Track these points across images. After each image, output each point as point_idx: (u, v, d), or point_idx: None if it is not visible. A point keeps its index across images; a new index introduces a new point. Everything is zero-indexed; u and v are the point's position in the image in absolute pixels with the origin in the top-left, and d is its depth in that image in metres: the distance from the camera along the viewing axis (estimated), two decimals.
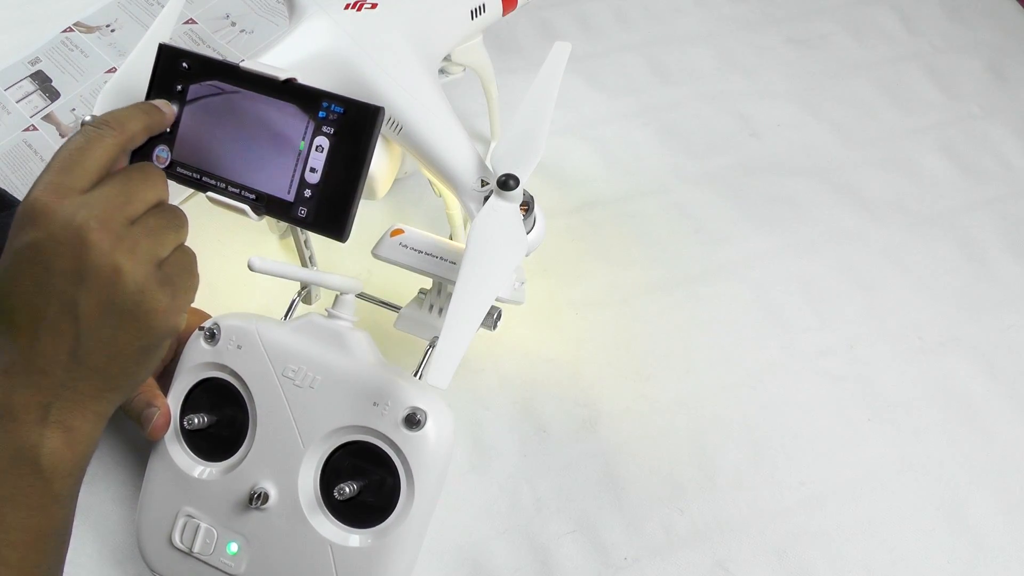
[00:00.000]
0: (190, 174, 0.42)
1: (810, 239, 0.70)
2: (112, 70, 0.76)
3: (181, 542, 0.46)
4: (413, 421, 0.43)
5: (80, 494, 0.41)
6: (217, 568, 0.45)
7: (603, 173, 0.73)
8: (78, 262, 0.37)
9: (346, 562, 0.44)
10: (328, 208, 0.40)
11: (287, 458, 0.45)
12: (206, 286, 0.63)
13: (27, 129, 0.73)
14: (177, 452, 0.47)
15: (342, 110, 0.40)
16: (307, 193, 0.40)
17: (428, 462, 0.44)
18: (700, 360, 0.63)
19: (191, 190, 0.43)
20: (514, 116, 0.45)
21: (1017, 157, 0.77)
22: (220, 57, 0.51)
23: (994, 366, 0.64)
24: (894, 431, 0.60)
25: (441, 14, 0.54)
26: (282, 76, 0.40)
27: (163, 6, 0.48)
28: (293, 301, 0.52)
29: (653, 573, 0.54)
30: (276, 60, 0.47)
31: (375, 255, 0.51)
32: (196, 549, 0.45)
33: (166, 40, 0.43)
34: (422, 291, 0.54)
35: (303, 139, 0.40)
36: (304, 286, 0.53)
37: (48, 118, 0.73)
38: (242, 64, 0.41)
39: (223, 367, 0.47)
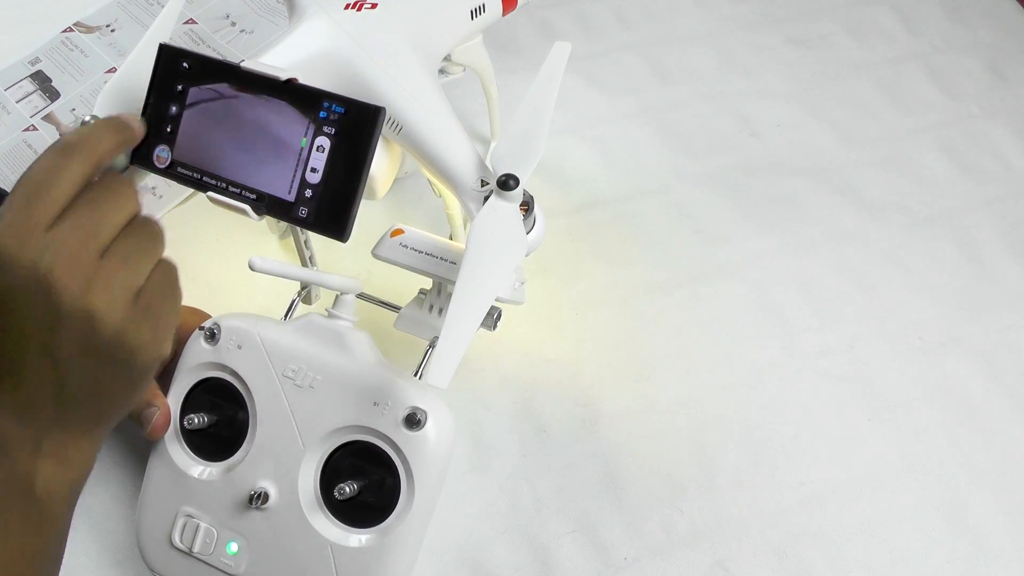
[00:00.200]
0: (190, 174, 0.42)
1: (810, 239, 0.70)
2: (112, 70, 0.76)
3: (181, 542, 0.46)
4: (413, 421, 0.43)
5: (80, 494, 0.41)
6: (217, 568, 0.45)
7: (603, 173, 0.73)
8: (49, 309, 0.35)
9: (346, 562, 0.44)
10: (329, 208, 0.40)
11: (287, 458, 0.45)
12: (206, 286, 0.63)
13: (27, 129, 0.72)
14: (177, 452, 0.47)
15: (343, 110, 0.40)
16: (308, 193, 0.40)
17: (428, 462, 0.44)
18: (700, 360, 0.63)
19: (191, 189, 0.43)
20: (514, 116, 0.45)
21: (1017, 157, 0.77)
22: (220, 57, 0.51)
23: (994, 366, 0.64)
24: (894, 431, 0.60)
25: (441, 14, 0.54)
26: (283, 76, 0.40)
27: (163, 6, 0.48)
28: (293, 301, 0.52)
29: (653, 573, 0.54)
30: (276, 60, 0.47)
31: (375, 255, 0.51)
32: (196, 549, 0.45)
33: (166, 40, 0.43)
34: (422, 291, 0.54)
35: (304, 139, 0.40)
36: (304, 286, 0.53)
37: (48, 118, 0.73)
38: (243, 64, 0.41)
39: (223, 367, 0.47)
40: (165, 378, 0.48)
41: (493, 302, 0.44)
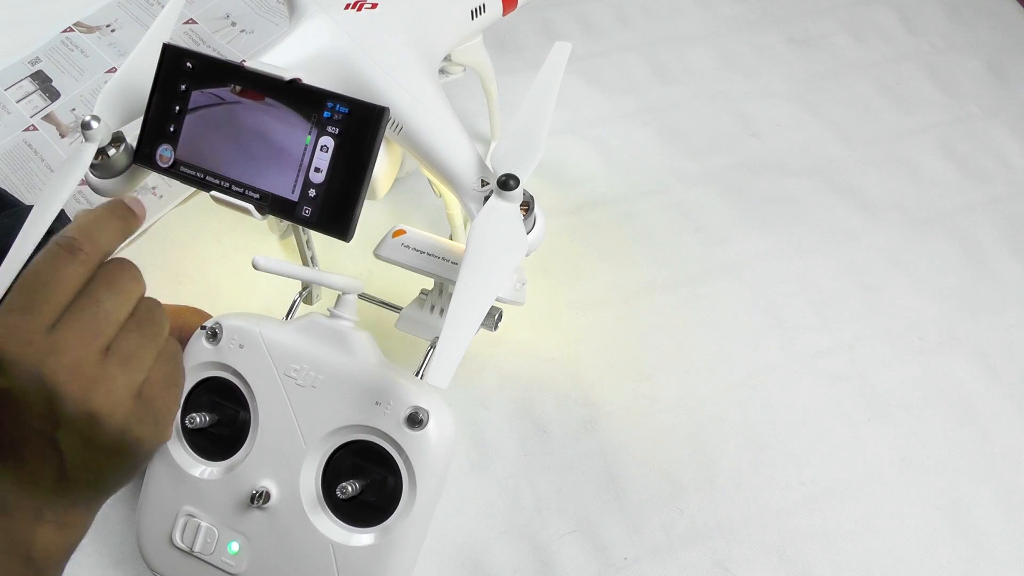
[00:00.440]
0: (194, 173, 0.42)
1: (810, 239, 0.70)
2: (112, 70, 0.76)
3: (182, 541, 0.46)
4: (415, 420, 0.43)
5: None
6: (218, 568, 0.45)
7: (603, 173, 0.73)
8: (52, 411, 0.35)
9: (347, 561, 0.44)
10: (332, 208, 0.40)
11: (289, 457, 0.45)
12: (207, 286, 0.63)
13: (27, 129, 0.73)
14: (178, 451, 0.47)
15: (347, 110, 0.40)
16: (311, 193, 0.40)
17: (430, 461, 0.44)
18: (700, 360, 0.63)
19: (191, 190, 0.43)
20: (514, 116, 0.45)
21: (1017, 157, 0.77)
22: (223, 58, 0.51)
23: (994, 366, 0.64)
24: (894, 431, 0.60)
25: (441, 14, 0.54)
26: (287, 76, 0.40)
27: (163, 6, 0.48)
28: (294, 301, 0.52)
29: (653, 573, 0.54)
30: (276, 60, 0.47)
31: (377, 255, 0.51)
32: (197, 548, 0.45)
33: (167, 40, 0.43)
34: (423, 291, 0.54)
35: (307, 139, 0.40)
36: (305, 286, 0.53)
37: (48, 118, 0.73)
38: (246, 64, 0.41)
39: (225, 366, 0.47)
40: None
41: (494, 302, 0.44)
